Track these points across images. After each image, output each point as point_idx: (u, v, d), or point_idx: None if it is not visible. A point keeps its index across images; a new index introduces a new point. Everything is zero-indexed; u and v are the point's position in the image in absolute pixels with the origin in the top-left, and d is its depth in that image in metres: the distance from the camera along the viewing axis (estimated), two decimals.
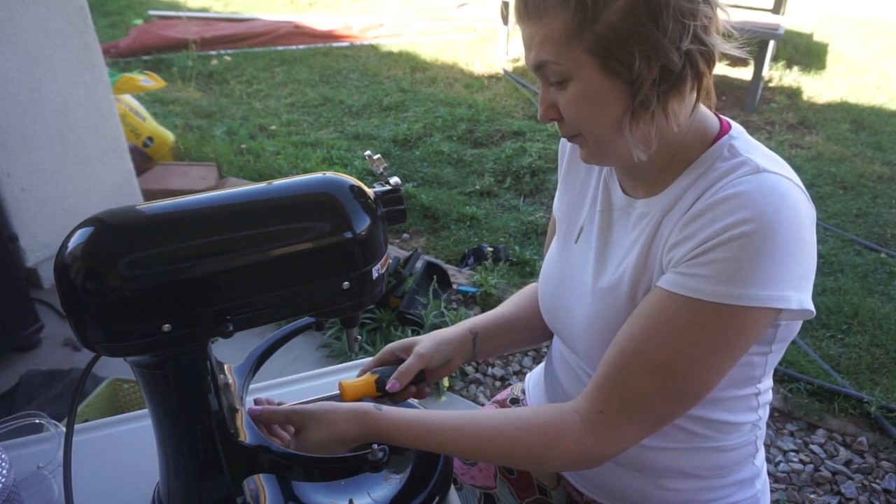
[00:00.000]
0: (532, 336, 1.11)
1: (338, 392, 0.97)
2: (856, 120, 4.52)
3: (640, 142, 0.79)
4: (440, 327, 1.74)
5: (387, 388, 0.95)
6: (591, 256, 0.92)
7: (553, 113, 0.81)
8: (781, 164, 0.79)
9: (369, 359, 1.03)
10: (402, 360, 0.98)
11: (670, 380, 0.77)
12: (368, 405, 0.84)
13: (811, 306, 0.75)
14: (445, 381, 2.25)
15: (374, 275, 0.73)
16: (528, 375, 1.22)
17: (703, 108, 0.82)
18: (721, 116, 0.85)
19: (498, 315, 1.10)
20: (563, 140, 0.97)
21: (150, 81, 3.42)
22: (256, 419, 0.85)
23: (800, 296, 0.74)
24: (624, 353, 0.79)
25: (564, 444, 0.80)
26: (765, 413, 0.94)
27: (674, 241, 0.78)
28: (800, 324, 0.85)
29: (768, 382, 0.92)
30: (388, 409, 0.83)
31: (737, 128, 0.84)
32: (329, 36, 5.94)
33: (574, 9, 0.72)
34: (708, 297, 0.73)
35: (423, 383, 0.99)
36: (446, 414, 0.85)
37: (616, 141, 0.80)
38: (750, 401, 0.90)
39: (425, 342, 1.00)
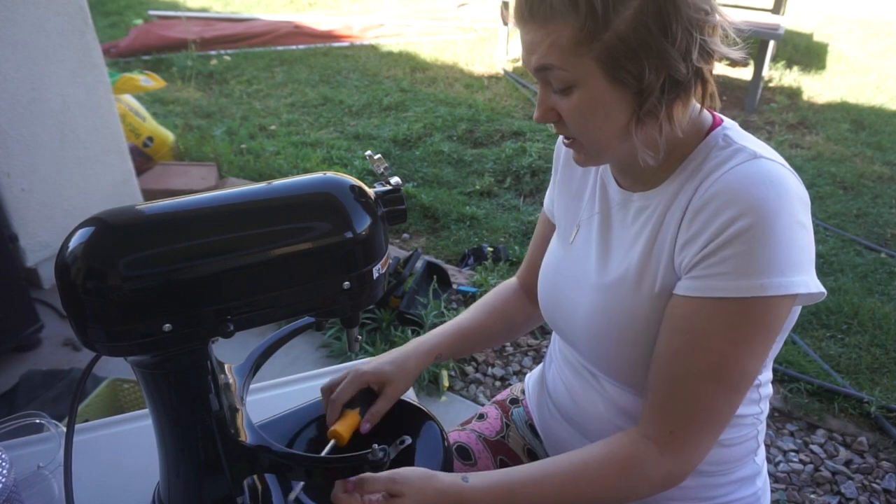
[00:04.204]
0: (493, 341, 1.20)
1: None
2: (856, 120, 4.52)
3: (648, 147, 0.79)
4: None
5: (361, 430, 0.93)
6: (593, 252, 0.93)
7: (552, 115, 0.81)
8: (773, 152, 0.81)
9: (342, 373, 1.00)
10: (372, 389, 0.98)
11: (725, 381, 0.79)
12: (456, 479, 0.81)
13: (823, 288, 0.77)
14: (445, 381, 2.25)
15: (375, 275, 0.73)
16: (527, 375, 1.22)
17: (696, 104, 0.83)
18: (713, 112, 0.86)
19: (459, 330, 1.10)
20: (559, 140, 0.98)
21: (150, 81, 3.42)
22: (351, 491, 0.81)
23: (813, 279, 0.76)
24: (674, 371, 0.81)
25: (646, 474, 0.82)
26: (765, 407, 0.95)
27: (684, 239, 0.79)
28: (798, 313, 0.86)
29: (768, 374, 0.93)
30: (474, 481, 0.82)
31: (728, 121, 0.86)
32: (329, 36, 5.94)
33: (584, 17, 0.71)
34: (733, 294, 0.75)
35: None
36: (523, 468, 0.85)
37: (617, 147, 0.81)
38: (751, 393, 0.91)
39: (396, 379, 0.98)
